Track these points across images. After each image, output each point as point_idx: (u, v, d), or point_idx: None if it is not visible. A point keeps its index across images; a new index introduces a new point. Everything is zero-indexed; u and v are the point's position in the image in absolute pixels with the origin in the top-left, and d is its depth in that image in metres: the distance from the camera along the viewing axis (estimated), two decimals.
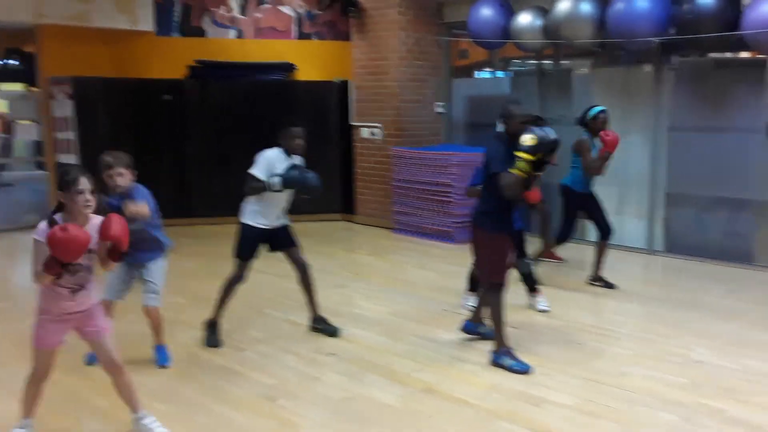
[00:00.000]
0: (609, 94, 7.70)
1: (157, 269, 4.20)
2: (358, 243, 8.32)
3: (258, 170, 4.43)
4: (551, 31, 7.21)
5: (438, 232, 8.03)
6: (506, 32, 7.64)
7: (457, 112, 9.25)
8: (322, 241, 7.87)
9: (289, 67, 9.51)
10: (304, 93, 9.17)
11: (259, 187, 4.40)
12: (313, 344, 4.66)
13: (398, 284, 6.24)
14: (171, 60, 9.15)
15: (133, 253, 4.03)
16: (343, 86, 9.12)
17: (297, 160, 4.61)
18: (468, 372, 4.22)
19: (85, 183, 2.97)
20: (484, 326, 4.68)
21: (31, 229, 9.56)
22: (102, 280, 4.10)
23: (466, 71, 11.34)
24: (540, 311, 5.30)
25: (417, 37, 8.58)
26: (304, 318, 5.16)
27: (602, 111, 5.79)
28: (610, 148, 5.60)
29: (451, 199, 7.81)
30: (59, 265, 2.89)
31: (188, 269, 6.71)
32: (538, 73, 8.34)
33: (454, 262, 6.91)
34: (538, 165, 3.97)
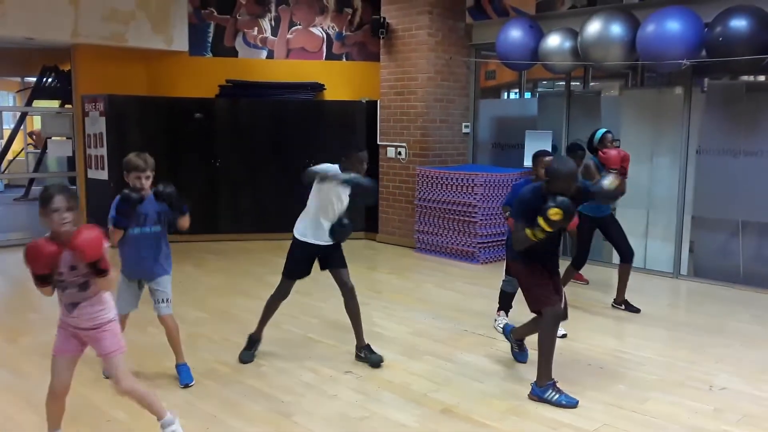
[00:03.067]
0: (638, 116, 7.65)
1: (165, 280, 4.23)
2: (379, 261, 8.34)
3: (320, 169, 4.35)
4: (581, 52, 7.20)
5: (461, 252, 8.01)
6: (535, 54, 7.65)
7: (483, 132, 9.27)
8: None
9: (317, 87, 9.63)
10: (331, 112, 9.27)
11: (323, 176, 4.26)
12: (331, 362, 4.66)
13: (418, 303, 6.23)
14: (203, 79, 9.36)
15: (146, 267, 4.14)
16: (371, 106, 9.20)
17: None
18: (487, 393, 4.18)
19: (59, 201, 2.96)
20: (522, 346, 4.63)
21: None
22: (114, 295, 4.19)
23: (494, 92, 11.38)
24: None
25: (446, 58, 8.64)
26: (323, 335, 5.20)
27: (607, 131, 5.78)
28: (612, 164, 5.51)
29: (475, 219, 7.80)
30: (36, 276, 2.99)
31: (211, 285, 6.79)
32: (566, 94, 8.32)
33: (476, 283, 6.89)
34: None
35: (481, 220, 7.77)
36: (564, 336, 5.14)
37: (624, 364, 4.71)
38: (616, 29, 6.82)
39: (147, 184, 4.04)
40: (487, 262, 7.83)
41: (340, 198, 4.47)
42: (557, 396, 4.02)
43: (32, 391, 4.09)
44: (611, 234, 5.97)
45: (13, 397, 4.05)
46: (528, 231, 3.83)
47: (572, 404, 3.99)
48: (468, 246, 7.93)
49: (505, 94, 11.60)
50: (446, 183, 8.08)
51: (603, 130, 5.83)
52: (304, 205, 4.54)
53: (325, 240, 4.51)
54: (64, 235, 2.97)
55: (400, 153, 8.86)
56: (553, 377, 4.08)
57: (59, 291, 3.11)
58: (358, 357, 4.71)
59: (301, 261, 4.59)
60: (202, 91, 9.25)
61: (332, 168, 4.38)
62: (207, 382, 4.29)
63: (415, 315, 5.84)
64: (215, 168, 9.02)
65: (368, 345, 4.71)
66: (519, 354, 4.66)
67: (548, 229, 3.78)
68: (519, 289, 5.12)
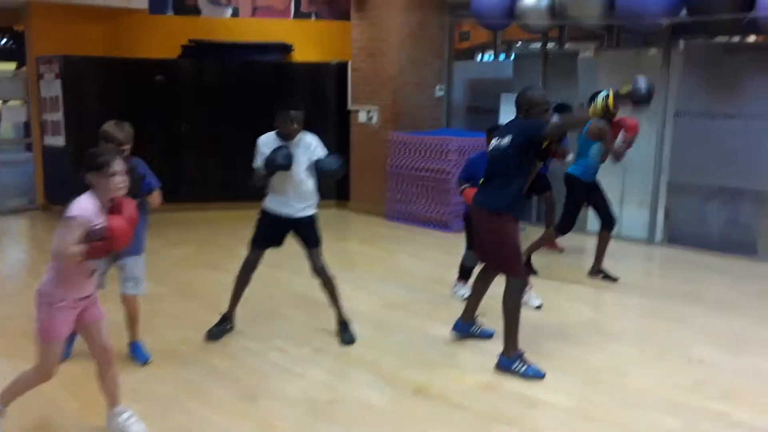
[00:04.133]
0: (615, 77, 7.43)
1: (138, 259, 3.97)
2: (351, 231, 8.12)
3: (258, 160, 4.18)
4: (558, 11, 6.98)
5: (434, 220, 7.82)
6: (511, 12, 7.40)
7: (457, 95, 9.02)
8: None
9: (285, 48, 9.26)
10: (300, 75, 8.93)
11: (259, 176, 4.14)
12: (299, 340, 4.46)
13: (391, 274, 6.05)
14: (164, 39, 8.93)
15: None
16: (341, 68, 8.87)
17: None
18: (461, 370, 4.03)
19: (118, 164, 2.91)
20: (477, 326, 4.47)
21: (17, 214, 9.35)
22: None
23: (468, 54, 11.12)
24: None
25: (419, 18, 8.31)
26: (291, 311, 5.01)
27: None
28: (632, 132, 5.40)
29: (449, 187, 7.59)
30: (106, 251, 2.87)
31: (174, 257, 6.51)
32: (542, 56, 8.08)
33: (450, 252, 6.69)
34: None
35: (455, 187, 7.56)
36: (539, 307, 5.01)
37: (601, 336, 4.59)
38: None
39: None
40: (461, 231, 7.63)
41: (297, 178, 4.24)
42: (525, 367, 3.90)
43: None
44: (596, 200, 5.78)
45: None
46: (590, 108, 3.90)
47: (539, 376, 3.88)
48: (442, 214, 7.74)
49: (480, 55, 11.34)
50: (419, 149, 7.84)
51: (605, 93, 5.60)
52: None
53: (288, 213, 4.28)
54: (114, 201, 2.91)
55: (371, 118, 8.58)
56: (520, 348, 3.95)
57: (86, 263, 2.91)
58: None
59: (268, 231, 4.37)
60: (163, 51, 8.82)
61: (270, 145, 4.15)
62: (168, 363, 4.06)
63: (388, 286, 5.66)
64: (178, 133, 8.65)
65: (344, 321, 4.51)
66: (482, 332, 4.48)
67: (611, 103, 3.92)
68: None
